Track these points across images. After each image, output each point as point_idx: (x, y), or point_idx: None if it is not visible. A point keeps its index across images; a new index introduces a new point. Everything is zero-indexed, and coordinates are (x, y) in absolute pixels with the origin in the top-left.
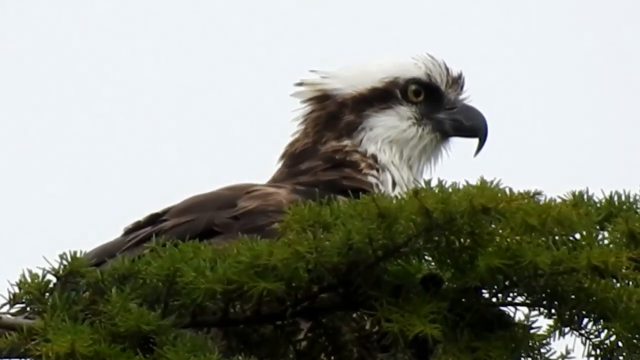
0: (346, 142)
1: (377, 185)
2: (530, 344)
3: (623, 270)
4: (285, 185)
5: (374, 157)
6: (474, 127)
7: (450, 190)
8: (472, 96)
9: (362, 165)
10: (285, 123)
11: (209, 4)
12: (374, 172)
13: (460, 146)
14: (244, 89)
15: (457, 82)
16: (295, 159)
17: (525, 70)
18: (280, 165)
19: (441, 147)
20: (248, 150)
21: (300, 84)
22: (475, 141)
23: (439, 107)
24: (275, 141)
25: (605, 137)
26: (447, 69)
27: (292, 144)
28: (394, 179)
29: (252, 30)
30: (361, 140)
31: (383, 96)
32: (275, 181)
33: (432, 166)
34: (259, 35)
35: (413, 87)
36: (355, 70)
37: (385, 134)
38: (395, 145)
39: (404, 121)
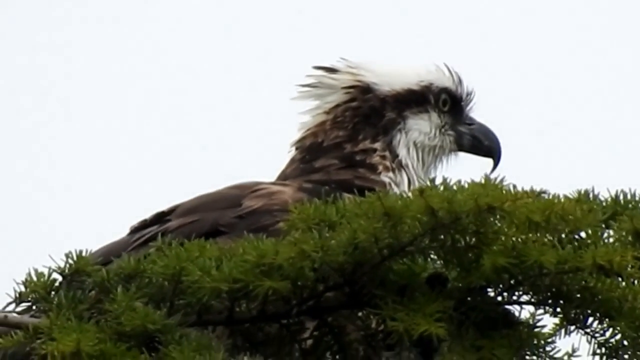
0: (379, 143)
1: (390, 184)
2: (536, 342)
3: (628, 269)
4: (292, 183)
5: (398, 159)
6: (490, 148)
7: (455, 189)
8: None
9: (380, 167)
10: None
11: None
12: (390, 174)
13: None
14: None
15: (471, 98)
16: (312, 154)
17: (527, 68)
18: (294, 154)
19: (450, 159)
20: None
21: (332, 70)
22: (483, 159)
23: (460, 120)
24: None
25: (612, 136)
26: (465, 84)
27: (315, 134)
28: (411, 180)
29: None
30: (395, 141)
31: (419, 99)
32: (286, 177)
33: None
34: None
35: (444, 96)
36: (388, 68)
37: (419, 138)
38: (422, 151)
39: (434, 128)
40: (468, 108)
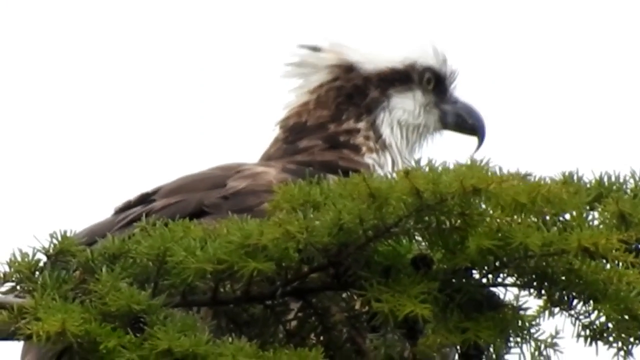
0: (363, 123)
1: (374, 166)
2: (520, 324)
3: (613, 252)
4: (276, 164)
5: (381, 140)
6: (474, 126)
7: (440, 170)
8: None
9: (364, 149)
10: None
11: None
12: (374, 155)
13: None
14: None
15: (455, 76)
16: (296, 134)
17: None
18: (278, 134)
19: (434, 137)
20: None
21: (316, 49)
22: (467, 138)
23: (444, 98)
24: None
25: (595, 118)
26: (449, 63)
27: (298, 113)
28: (395, 161)
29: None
30: (379, 120)
31: (403, 78)
32: (270, 157)
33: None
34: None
35: (428, 74)
36: (372, 47)
37: (403, 117)
38: (406, 130)
39: (418, 107)
40: (452, 86)
